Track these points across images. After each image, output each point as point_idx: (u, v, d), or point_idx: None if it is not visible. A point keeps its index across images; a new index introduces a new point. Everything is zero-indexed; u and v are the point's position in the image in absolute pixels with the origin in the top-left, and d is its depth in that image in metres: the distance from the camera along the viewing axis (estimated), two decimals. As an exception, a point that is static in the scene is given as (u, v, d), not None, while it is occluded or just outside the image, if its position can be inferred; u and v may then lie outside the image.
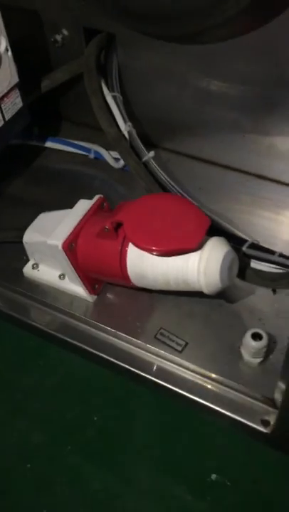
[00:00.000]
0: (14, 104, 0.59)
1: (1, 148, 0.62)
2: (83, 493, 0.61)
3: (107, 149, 0.72)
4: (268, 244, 0.60)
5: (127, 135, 0.65)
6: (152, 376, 0.53)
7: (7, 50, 0.55)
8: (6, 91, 0.57)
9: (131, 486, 0.62)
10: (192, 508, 0.59)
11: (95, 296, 0.59)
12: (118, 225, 0.53)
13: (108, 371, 0.58)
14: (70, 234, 0.55)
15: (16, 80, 0.58)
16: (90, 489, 0.61)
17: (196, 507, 0.59)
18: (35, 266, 0.62)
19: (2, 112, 0.58)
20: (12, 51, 0.57)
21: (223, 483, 0.59)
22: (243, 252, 0.56)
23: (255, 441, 0.49)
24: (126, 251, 0.52)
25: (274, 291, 0.57)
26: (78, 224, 0.55)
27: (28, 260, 0.62)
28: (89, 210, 0.56)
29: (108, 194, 0.69)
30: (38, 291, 0.61)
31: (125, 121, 0.65)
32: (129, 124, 0.65)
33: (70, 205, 0.59)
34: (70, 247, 0.54)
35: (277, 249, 0.59)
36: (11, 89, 0.58)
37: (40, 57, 0.71)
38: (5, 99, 0.58)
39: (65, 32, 0.69)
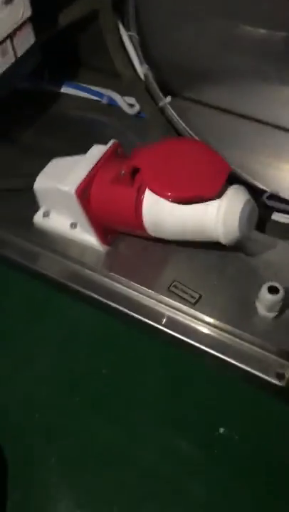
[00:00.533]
0: (26, 39, 0.56)
1: (13, 88, 0.59)
2: (91, 444, 0.61)
3: (121, 95, 0.68)
4: (286, 196, 0.58)
5: (143, 77, 0.61)
6: (164, 327, 0.52)
7: (19, -21, 0.52)
8: (19, 23, 0.53)
9: (138, 438, 0.62)
10: (199, 461, 0.60)
11: (107, 247, 0.57)
12: (134, 171, 0.51)
13: (119, 322, 0.57)
14: (84, 179, 0.52)
15: (29, 12, 0.55)
16: (98, 440, 0.61)
17: (202, 460, 0.60)
18: (45, 214, 0.60)
19: (14, 48, 0.54)
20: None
21: (231, 437, 0.59)
22: (262, 202, 0.53)
23: (269, 394, 0.48)
24: (142, 198, 0.50)
25: (291, 243, 0.55)
26: (92, 169, 0.53)
27: (38, 209, 0.60)
28: (103, 156, 0.54)
29: (122, 141, 0.67)
30: (48, 240, 0.59)
31: (141, 63, 0.62)
32: (146, 66, 0.62)
33: (83, 152, 0.56)
34: (84, 193, 0.52)
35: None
36: (24, 22, 0.55)
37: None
38: (17, 33, 0.54)
39: None
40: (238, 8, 0.60)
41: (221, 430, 0.60)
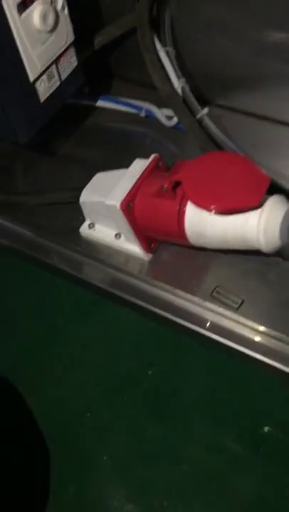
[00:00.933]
0: (70, 63, 0.59)
1: (58, 109, 0.62)
2: (140, 443, 0.64)
3: (158, 107, 0.71)
4: None
5: (180, 91, 0.64)
6: (208, 331, 0.54)
7: (63, 7, 0.55)
8: (63, 50, 0.57)
9: (185, 437, 0.64)
10: (245, 459, 0.62)
11: (151, 255, 0.60)
12: (176, 185, 0.53)
13: (164, 327, 0.59)
14: (128, 194, 0.55)
15: (72, 38, 0.58)
16: (146, 439, 0.64)
17: (248, 458, 0.62)
18: (91, 225, 0.63)
19: (59, 72, 0.57)
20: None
21: (276, 436, 0.61)
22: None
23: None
24: (184, 210, 0.53)
25: None
26: (135, 184, 0.56)
27: (84, 220, 0.63)
28: (145, 170, 0.57)
29: (161, 152, 0.68)
30: (94, 249, 0.62)
31: (178, 77, 0.64)
32: (183, 79, 0.64)
33: (122, 164, 0.59)
34: (128, 206, 0.55)
35: None
36: (68, 47, 0.58)
37: (92, 13, 0.69)
38: (62, 58, 0.57)
39: (116, -14, 0.67)
40: (272, 16, 0.61)
41: (266, 429, 0.62)
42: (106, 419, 0.66)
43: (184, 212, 0.53)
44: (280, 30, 0.62)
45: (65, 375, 0.69)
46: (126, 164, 0.59)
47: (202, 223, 0.52)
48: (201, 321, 0.55)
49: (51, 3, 0.53)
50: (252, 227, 0.49)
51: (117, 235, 0.61)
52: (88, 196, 0.60)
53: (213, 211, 0.50)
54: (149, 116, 0.72)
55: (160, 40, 0.65)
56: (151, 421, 0.65)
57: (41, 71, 0.55)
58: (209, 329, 0.54)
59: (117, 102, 0.74)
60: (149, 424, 0.65)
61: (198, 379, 0.66)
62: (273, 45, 0.63)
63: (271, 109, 0.69)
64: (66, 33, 0.56)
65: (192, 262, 0.59)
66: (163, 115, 0.70)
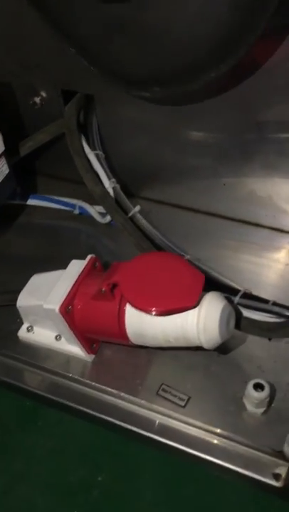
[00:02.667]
0: (1, 171, 0.60)
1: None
2: None
3: (91, 204, 0.72)
4: (257, 290, 0.61)
5: (111, 191, 0.66)
6: (157, 435, 0.53)
7: (-9, 120, 0.56)
8: (-7, 161, 0.58)
9: None
10: None
11: (93, 356, 0.59)
12: (114, 286, 0.53)
13: (111, 431, 0.57)
14: (66, 297, 0.55)
15: (2, 148, 0.59)
16: None
17: None
18: (30, 328, 0.61)
19: (-11, 181, 0.58)
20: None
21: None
22: (237, 302, 0.57)
23: (267, 494, 0.49)
24: (124, 311, 0.53)
25: (269, 338, 0.58)
26: (73, 286, 0.56)
27: (22, 323, 0.62)
28: (83, 271, 0.57)
29: (96, 248, 0.70)
30: (33, 353, 0.60)
31: (109, 178, 0.66)
32: (113, 180, 0.67)
33: (59, 261, 0.59)
34: (67, 310, 0.55)
35: (266, 293, 0.60)
36: (-1, 157, 0.59)
37: (20, 121, 0.72)
38: (-8, 168, 0.59)
39: (44, 94, 0.70)
40: (192, 118, 0.66)
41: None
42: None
43: (123, 312, 0.53)
44: (200, 130, 0.66)
45: (8, 492, 0.64)
46: (63, 261, 0.59)
47: (142, 324, 0.52)
48: (148, 424, 0.54)
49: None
50: (191, 326, 0.50)
51: (57, 337, 0.60)
52: (25, 300, 0.59)
53: (153, 313, 0.50)
54: (83, 213, 0.73)
55: (89, 144, 0.67)
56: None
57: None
58: (157, 432, 0.53)
59: (51, 201, 0.75)
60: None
61: (150, 482, 0.63)
62: (194, 144, 0.68)
63: (199, 201, 0.73)
64: (-5, 144, 0.58)
65: (136, 360, 0.58)
66: (96, 212, 0.72)
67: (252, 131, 0.62)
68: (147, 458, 0.63)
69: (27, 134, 0.70)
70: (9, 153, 0.63)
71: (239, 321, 0.56)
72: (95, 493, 0.64)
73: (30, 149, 0.68)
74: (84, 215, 0.73)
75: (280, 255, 0.67)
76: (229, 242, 0.69)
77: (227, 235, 0.70)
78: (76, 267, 0.58)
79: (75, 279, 0.56)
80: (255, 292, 0.60)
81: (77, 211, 0.73)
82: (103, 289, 0.53)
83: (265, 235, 0.69)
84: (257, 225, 0.70)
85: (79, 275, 0.56)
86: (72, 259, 0.59)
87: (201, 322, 0.49)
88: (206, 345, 0.51)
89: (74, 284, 0.56)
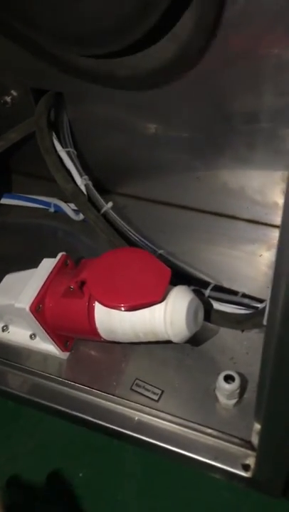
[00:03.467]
0: None
1: None
2: None
3: (66, 202, 0.72)
4: (232, 282, 0.62)
5: (84, 188, 0.66)
6: (131, 431, 0.53)
7: None
8: None
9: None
10: None
11: (68, 353, 0.59)
12: (82, 283, 0.53)
13: (89, 428, 0.57)
14: (37, 296, 0.55)
15: None
16: None
17: None
18: (5, 328, 0.61)
19: None
20: None
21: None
22: (208, 295, 0.57)
23: (239, 485, 0.49)
24: (93, 307, 0.53)
25: (242, 330, 0.58)
26: (44, 284, 0.56)
27: (-3, 323, 0.62)
28: (53, 269, 0.57)
29: (73, 245, 0.70)
30: (9, 352, 0.61)
31: (81, 175, 0.66)
32: (85, 177, 0.67)
33: (36, 259, 0.59)
34: (38, 308, 0.55)
35: (238, 285, 0.61)
36: None
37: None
38: None
39: (14, 93, 0.70)
40: (162, 113, 0.65)
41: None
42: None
43: (93, 309, 0.53)
44: (170, 125, 0.66)
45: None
46: (39, 260, 0.59)
47: (111, 320, 0.52)
48: (123, 420, 0.54)
49: None
50: (159, 320, 0.50)
51: (32, 336, 0.60)
52: (-2, 299, 0.59)
53: (120, 309, 0.50)
54: (58, 210, 0.73)
55: (60, 142, 0.67)
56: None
57: None
58: (131, 428, 0.53)
59: (25, 200, 0.75)
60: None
61: (129, 478, 0.63)
62: (165, 138, 0.68)
63: (172, 195, 0.73)
64: None
65: (111, 355, 0.59)
66: (71, 210, 0.72)
67: (222, 124, 0.62)
68: (126, 453, 0.64)
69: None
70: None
71: (210, 314, 0.57)
72: (76, 488, 0.64)
73: (2, 148, 0.68)
74: (60, 213, 0.73)
75: (254, 247, 0.67)
76: (203, 234, 0.70)
77: (201, 228, 0.70)
78: (47, 265, 0.58)
79: (45, 278, 0.56)
80: (229, 284, 0.60)
81: (52, 209, 0.73)
82: (72, 287, 0.53)
83: (239, 227, 0.70)
84: (231, 217, 0.71)
85: (49, 273, 0.57)
86: (49, 257, 0.59)
87: (168, 316, 0.49)
88: (174, 339, 0.51)
89: (45, 283, 0.56)
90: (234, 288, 0.60)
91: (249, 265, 0.66)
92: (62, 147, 0.67)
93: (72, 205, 0.72)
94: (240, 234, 0.69)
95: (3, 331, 0.61)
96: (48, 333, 0.57)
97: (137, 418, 0.53)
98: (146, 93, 0.62)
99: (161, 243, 0.67)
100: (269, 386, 0.37)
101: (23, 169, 0.79)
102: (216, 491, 0.61)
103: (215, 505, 0.61)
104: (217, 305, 0.57)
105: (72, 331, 0.56)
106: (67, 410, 0.55)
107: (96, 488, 0.63)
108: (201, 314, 0.52)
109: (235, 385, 0.51)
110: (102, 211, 0.65)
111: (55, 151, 0.66)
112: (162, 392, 0.55)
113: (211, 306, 0.57)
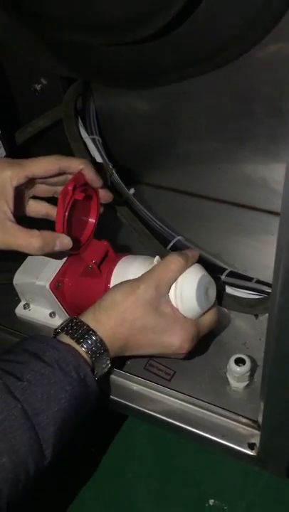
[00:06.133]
0: (-3, 155, 0.62)
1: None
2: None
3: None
4: (246, 270, 0.63)
5: (108, 176, 0.68)
6: (142, 407, 0.54)
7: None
8: (-11, 145, 0.60)
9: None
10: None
11: (85, 332, 0.61)
12: (100, 263, 0.55)
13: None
14: (56, 274, 0.57)
15: (-3, 132, 0.62)
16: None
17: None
18: (26, 306, 0.64)
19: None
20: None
21: (221, 508, 0.60)
22: (223, 281, 0.58)
23: (246, 463, 0.50)
24: (109, 286, 0.55)
25: (256, 315, 0.59)
26: (64, 264, 0.58)
27: (19, 301, 0.64)
28: (73, 250, 0.59)
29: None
30: (30, 330, 0.63)
31: (105, 162, 0.68)
32: (110, 163, 0.69)
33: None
34: (57, 286, 0.57)
35: (256, 274, 0.61)
36: (-7, 141, 0.62)
37: (20, 108, 0.74)
38: (-12, 151, 0.61)
39: (44, 81, 0.72)
40: (186, 104, 0.67)
41: (211, 502, 0.61)
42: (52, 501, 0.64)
43: (109, 287, 0.55)
44: (194, 115, 0.68)
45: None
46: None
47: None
48: (136, 397, 0.55)
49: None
50: (170, 295, 0.51)
51: (52, 314, 0.62)
52: (21, 278, 0.61)
53: None
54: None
55: (86, 130, 0.69)
56: (95, 501, 0.63)
57: None
58: (142, 404, 0.55)
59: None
60: (93, 505, 0.63)
61: (141, 454, 0.65)
62: (189, 129, 0.69)
63: (194, 185, 0.74)
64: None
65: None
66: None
67: (244, 116, 0.63)
68: (138, 430, 0.66)
69: (24, 121, 0.72)
70: (7, 140, 0.66)
71: (222, 298, 0.58)
72: (88, 464, 0.66)
73: (30, 135, 0.71)
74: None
75: (273, 238, 0.67)
76: (222, 224, 0.71)
77: (221, 218, 0.71)
78: (68, 245, 0.60)
79: (66, 257, 0.59)
80: (245, 272, 0.61)
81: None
82: (90, 266, 0.55)
83: (259, 218, 0.70)
84: (251, 207, 0.71)
85: (70, 254, 0.59)
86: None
87: (178, 290, 0.51)
88: (185, 315, 0.52)
89: (64, 263, 0.58)
90: (249, 275, 0.61)
91: (266, 255, 0.66)
92: (88, 135, 0.69)
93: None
94: (259, 225, 0.69)
95: (24, 308, 0.64)
96: (66, 311, 0.59)
97: (148, 395, 0.55)
98: (172, 84, 0.63)
99: (181, 231, 0.68)
100: (271, 362, 0.38)
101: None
102: (225, 474, 0.62)
103: (224, 488, 0.62)
104: (230, 290, 0.58)
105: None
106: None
107: (107, 464, 0.65)
108: (212, 292, 0.53)
109: (245, 368, 0.53)
110: (124, 197, 0.67)
111: (81, 138, 0.68)
112: (174, 372, 0.56)
113: (224, 290, 0.58)
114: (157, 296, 0.50)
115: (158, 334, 0.50)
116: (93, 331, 0.49)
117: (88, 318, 0.50)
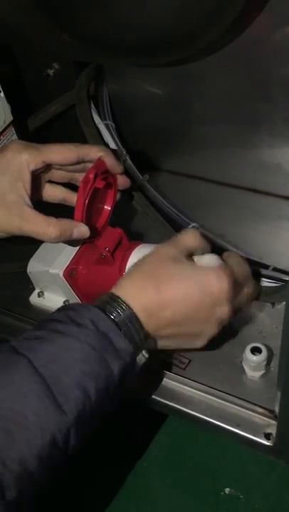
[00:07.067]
0: (9, 141, 0.62)
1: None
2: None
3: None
4: (262, 257, 0.61)
5: (121, 161, 0.67)
6: (157, 396, 0.54)
7: (-1, 92, 0.58)
8: (1, 130, 0.60)
9: (146, 502, 0.63)
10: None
11: (99, 320, 0.60)
12: (114, 251, 0.55)
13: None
14: (70, 262, 0.57)
15: (10, 118, 0.61)
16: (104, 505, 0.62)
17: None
18: (40, 294, 0.64)
19: None
20: (4, 91, 0.60)
21: (236, 497, 0.60)
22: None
23: (261, 453, 0.50)
24: (123, 274, 0.54)
25: (272, 304, 0.58)
26: (78, 251, 0.58)
27: (34, 289, 0.64)
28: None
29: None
30: (44, 317, 0.63)
31: (119, 148, 0.67)
32: (123, 149, 0.68)
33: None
34: (71, 274, 0.57)
35: (272, 262, 0.60)
36: (6, 127, 0.61)
37: (33, 92, 0.74)
38: (1, 137, 0.60)
39: (56, 66, 0.71)
40: (201, 87, 0.65)
41: (227, 490, 0.61)
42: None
43: (123, 275, 0.54)
44: (209, 99, 0.66)
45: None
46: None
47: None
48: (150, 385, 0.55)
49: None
50: None
51: (66, 302, 0.62)
52: (35, 266, 0.61)
53: None
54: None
55: (99, 115, 0.68)
56: (110, 489, 0.63)
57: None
58: (158, 393, 0.54)
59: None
60: (111, 492, 0.63)
61: (156, 445, 0.65)
62: (203, 113, 0.68)
63: (209, 170, 0.73)
64: (3, 114, 0.59)
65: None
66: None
67: (260, 99, 0.62)
68: (152, 420, 0.66)
69: (36, 107, 0.72)
70: (20, 126, 0.65)
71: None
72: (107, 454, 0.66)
73: (42, 121, 0.70)
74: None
75: (289, 224, 0.67)
76: (238, 210, 0.69)
77: (236, 204, 0.70)
78: (81, 233, 0.59)
79: (80, 244, 0.58)
80: (262, 261, 0.60)
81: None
82: (104, 254, 0.54)
83: (274, 204, 0.69)
84: (267, 193, 0.70)
85: (84, 241, 0.58)
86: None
87: None
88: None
89: (79, 250, 0.58)
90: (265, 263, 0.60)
91: (282, 242, 0.65)
92: (101, 120, 0.68)
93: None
94: (275, 211, 0.68)
95: (38, 296, 0.64)
96: (80, 299, 0.59)
97: (163, 383, 0.54)
98: (185, 66, 0.62)
99: (196, 217, 0.67)
100: (288, 351, 0.37)
101: (61, 142, 0.80)
102: (240, 463, 0.62)
103: (240, 476, 0.61)
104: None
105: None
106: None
107: (123, 451, 0.66)
108: None
109: (261, 357, 0.52)
110: (139, 184, 0.66)
111: (94, 123, 0.67)
112: (189, 361, 0.56)
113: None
114: (179, 254, 0.47)
115: (190, 277, 0.45)
116: (116, 296, 0.45)
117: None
